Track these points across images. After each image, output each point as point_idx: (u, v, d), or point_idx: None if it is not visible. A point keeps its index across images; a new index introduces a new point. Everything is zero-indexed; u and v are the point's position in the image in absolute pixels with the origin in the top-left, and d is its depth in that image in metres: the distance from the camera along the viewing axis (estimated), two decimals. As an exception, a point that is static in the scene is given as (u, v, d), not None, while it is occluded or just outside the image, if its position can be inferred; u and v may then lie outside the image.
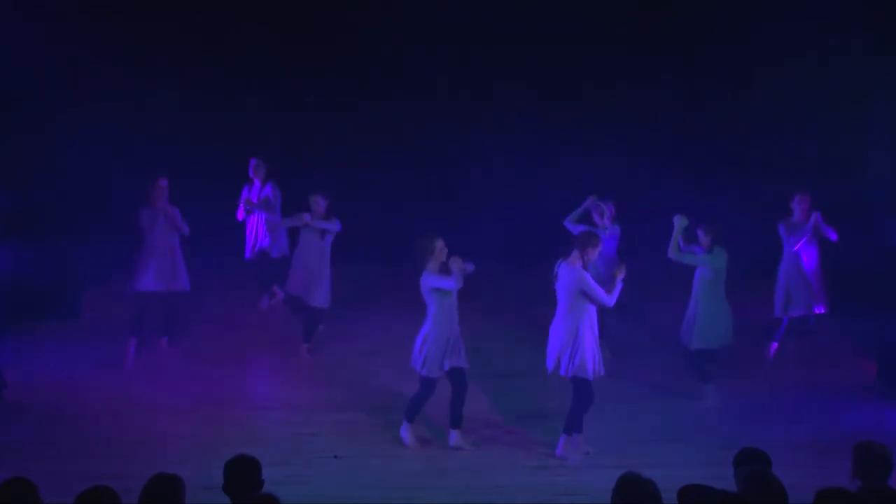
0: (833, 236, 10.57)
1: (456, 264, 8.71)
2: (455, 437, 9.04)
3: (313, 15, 13.82)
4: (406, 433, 9.09)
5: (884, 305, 10.58)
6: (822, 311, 10.71)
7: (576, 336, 8.66)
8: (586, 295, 8.64)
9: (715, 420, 9.59)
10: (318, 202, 10.93)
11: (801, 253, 10.63)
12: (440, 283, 8.78)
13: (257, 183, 11.90)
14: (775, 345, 10.83)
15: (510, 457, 8.91)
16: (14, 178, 11.42)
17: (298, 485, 8.07)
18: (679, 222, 9.89)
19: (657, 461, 8.51)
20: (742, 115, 13.82)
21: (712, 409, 9.92)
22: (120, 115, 12.86)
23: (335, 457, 8.84)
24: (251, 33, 13.58)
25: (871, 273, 11.01)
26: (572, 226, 10.64)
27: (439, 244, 8.86)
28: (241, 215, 11.96)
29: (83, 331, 11.92)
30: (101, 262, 12.98)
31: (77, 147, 11.78)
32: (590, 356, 8.70)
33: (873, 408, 9.62)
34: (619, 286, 8.70)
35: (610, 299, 8.67)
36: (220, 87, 13.67)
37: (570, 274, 8.70)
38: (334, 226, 10.89)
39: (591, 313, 8.74)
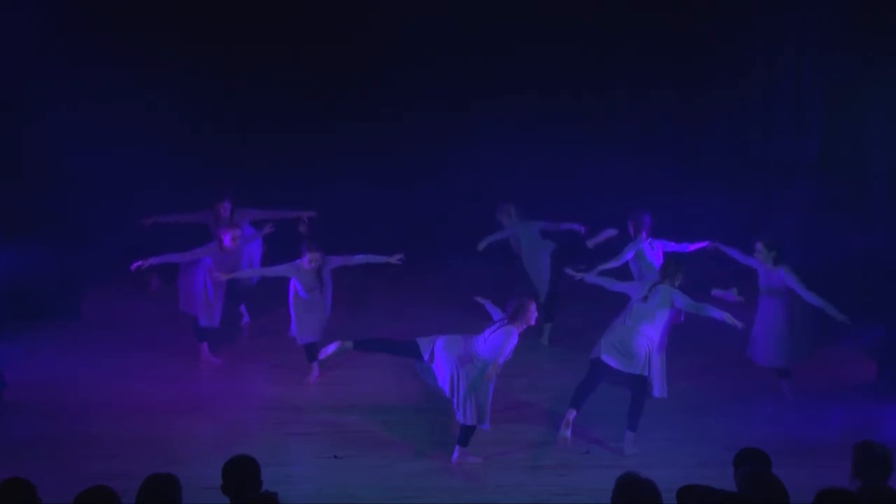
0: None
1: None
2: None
3: (313, 22, 13.87)
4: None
5: (884, 305, 10.57)
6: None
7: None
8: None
9: (715, 420, 9.58)
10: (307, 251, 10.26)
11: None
12: (503, 351, 8.52)
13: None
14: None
15: (510, 457, 8.91)
16: (14, 178, 11.42)
17: (298, 485, 8.08)
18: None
19: (657, 461, 8.53)
20: (742, 115, 13.85)
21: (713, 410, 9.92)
22: (120, 115, 12.89)
23: (335, 457, 8.84)
24: (250, 38, 13.67)
25: (871, 273, 11.01)
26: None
27: (532, 307, 8.70)
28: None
29: (83, 331, 11.93)
30: (101, 262, 12.99)
31: (77, 147, 11.77)
32: None
33: (873, 408, 9.60)
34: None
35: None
36: (217, 90, 13.75)
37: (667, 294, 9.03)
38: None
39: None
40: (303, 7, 13.86)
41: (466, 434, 8.79)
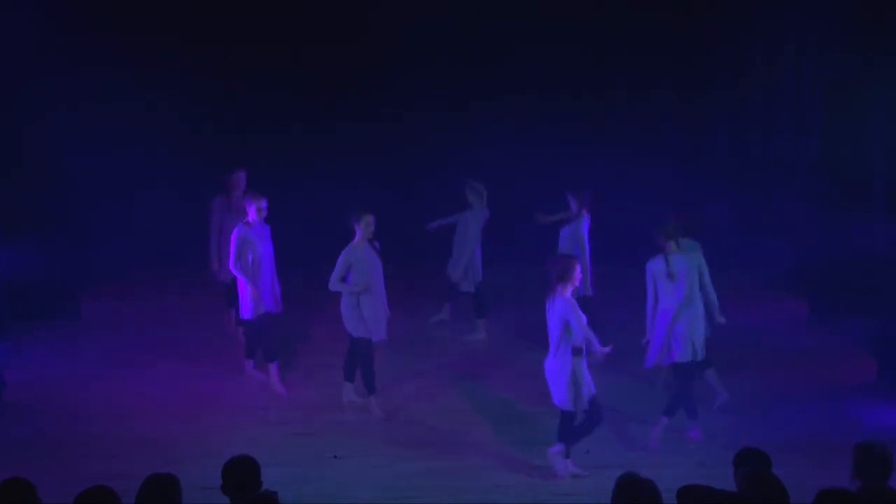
0: None
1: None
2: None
3: (313, 22, 13.87)
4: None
5: (884, 305, 10.57)
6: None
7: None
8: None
9: (715, 420, 9.57)
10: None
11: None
12: (574, 321, 8.17)
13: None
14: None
15: (510, 457, 8.90)
16: (14, 178, 11.42)
17: (298, 485, 8.08)
18: None
19: (657, 461, 8.53)
20: (742, 115, 13.85)
21: (713, 410, 9.91)
22: (120, 115, 12.89)
23: (335, 457, 8.84)
24: (250, 38, 13.67)
25: (872, 272, 11.00)
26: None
27: (576, 266, 8.34)
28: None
29: (83, 331, 11.93)
30: (101, 262, 12.99)
31: (77, 147, 11.78)
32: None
33: (873, 408, 9.61)
34: None
35: None
36: (217, 90, 13.74)
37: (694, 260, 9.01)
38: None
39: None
40: (303, 7, 13.85)
41: (562, 429, 8.48)
